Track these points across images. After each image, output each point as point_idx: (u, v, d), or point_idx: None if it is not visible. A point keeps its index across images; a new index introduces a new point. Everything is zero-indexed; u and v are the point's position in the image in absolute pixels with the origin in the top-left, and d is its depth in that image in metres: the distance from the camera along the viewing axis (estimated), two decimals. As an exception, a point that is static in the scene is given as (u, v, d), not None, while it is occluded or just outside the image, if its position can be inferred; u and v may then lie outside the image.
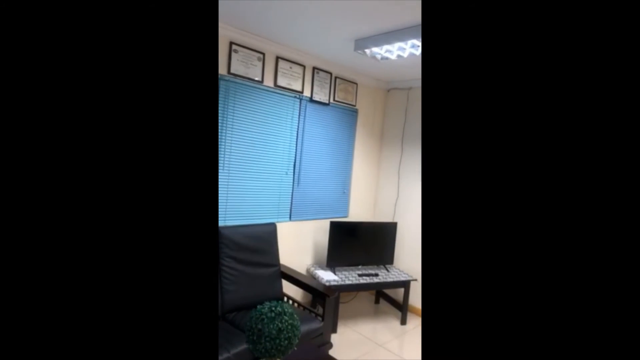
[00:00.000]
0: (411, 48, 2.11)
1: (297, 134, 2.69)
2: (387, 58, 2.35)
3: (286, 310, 1.21)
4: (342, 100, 2.96)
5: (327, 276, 2.59)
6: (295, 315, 1.22)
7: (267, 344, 1.15)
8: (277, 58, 2.47)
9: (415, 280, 2.84)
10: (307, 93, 2.69)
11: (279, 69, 2.48)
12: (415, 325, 2.82)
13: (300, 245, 2.84)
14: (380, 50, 2.21)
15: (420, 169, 3.02)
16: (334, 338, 2.44)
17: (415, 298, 3.02)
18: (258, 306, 1.22)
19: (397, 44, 2.05)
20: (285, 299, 2.33)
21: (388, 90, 3.29)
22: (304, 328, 1.93)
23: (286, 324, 1.17)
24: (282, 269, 2.35)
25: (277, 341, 1.15)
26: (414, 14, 1.74)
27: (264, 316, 1.18)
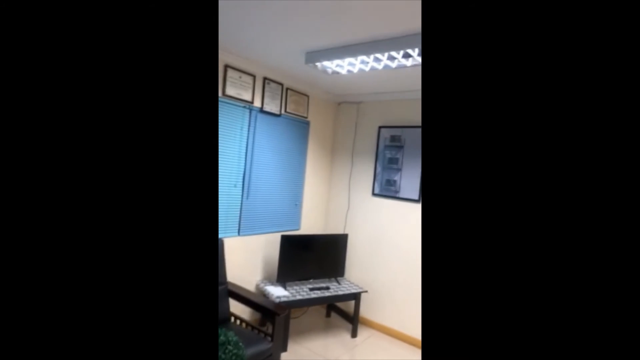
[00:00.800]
0: (361, 64, 2.15)
1: (247, 145, 2.60)
2: (337, 72, 2.37)
3: (230, 339, 1.12)
4: (294, 111, 2.93)
5: (278, 292, 2.51)
6: (240, 344, 1.14)
7: (209, 377, 1.05)
8: (226, 67, 2.38)
9: (366, 291, 2.86)
10: (257, 103, 2.63)
11: (227, 78, 2.39)
12: (366, 337, 2.83)
13: (249, 261, 2.73)
14: (331, 64, 2.22)
15: (372, 180, 3.08)
16: (283, 357, 2.35)
17: (366, 309, 3.04)
18: (199, 335, 1.12)
19: (348, 59, 2.07)
20: (233, 319, 2.21)
21: (339, 104, 3.33)
22: (252, 351, 1.83)
23: (230, 354, 1.09)
24: (230, 287, 2.23)
25: (220, 374, 1.06)
26: (364, 31, 1.77)
27: (205, 347, 1.08)
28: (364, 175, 3.13)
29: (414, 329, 2.77)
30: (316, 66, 2.26)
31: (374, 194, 3.04)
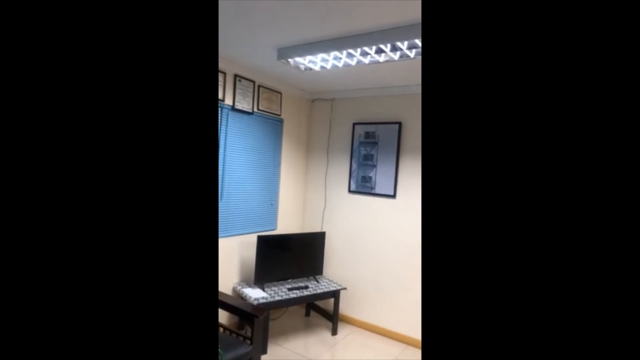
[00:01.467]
0: (334, 60, 2.14)
1: (219, 143, 2.52)
2: (310, 69, 2.34)
3: (207, 345, 1.07)
4: (267, 109, 2.87)
5: (256, 294, 2.46)
6: (219, 350, 1.09)
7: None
8: (195, 63, 2.29)
9: (345, 289, 2.86)
10: (228, 101, 2.55)
11: (196, 75, 2.30)
12: (346, 334, 2.83)
13: (225, 264, 2.65)
14: (303, 61, 2.19)
15: (348, 177, 3.08)
16: (264, 359, 2.31)
17: (345, 307, 3.04)
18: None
19: (320, 55, 2.05)
20: (210, 324, 2.13)
21: (312, 101, 3.31)
22: (231, 355, 1.78)
23: (207, 361, 1.03)
24: (205, 292, 2.15)
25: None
26: (336, 27, 1.75)
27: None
28: (340, 172, 3.12)
29: (394, 323, 2.80)
30: (288, 62, 2.22)
31: (350, 191, 3.05)
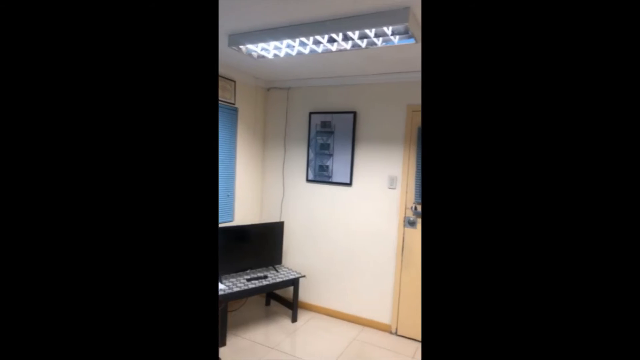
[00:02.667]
0: (287, 48, 2.12)
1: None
2: (264, 56, 2.30)
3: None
4: (220, 97, 2.79)
5: (213, 287, 2.42)
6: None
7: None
8: (139, 48, 2.16)
9: (304, 276, 2.90)
10: (178, 89, 2.44)
11: (141, 61, 2.17)
12: (306, 320, 2.89)
13: (180, 257, 2.57)
14: (256, 48, 2.15)
15: (306, 166, 3.09)
16: (222, 352, 2.29)
17: (305, 294, 3.10)
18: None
19: (273, 43, 2.02)
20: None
21: (268, 89, 3.26)
22: (187, 349, 1.74)
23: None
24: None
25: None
26: (288, 14, 1.73)
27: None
28: (298, 161, 3.13)
29: (351, 307, 2.90)
30: (240, 50, 2.17)
31: (308, 180, 3.07)
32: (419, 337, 2.63)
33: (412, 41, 1.82)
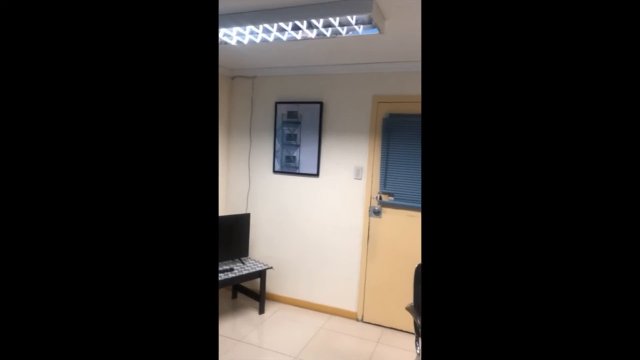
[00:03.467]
0: (251, 35, 2.06)
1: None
2: (226, 42, 2.23)
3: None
4: (181, 85, 2.67)
5: (176, 281, 2.35)
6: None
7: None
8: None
9: (271, 268, 2.89)
10: (135, 75, 2.31)
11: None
12: (273, 311, 2.88)
13: (140, 252, 2.47)
14: (218, 33, 2.07)
15: (272, 157, 3.05)
16: (187, 346, 2.24)
17: (272, 285, 3.09)
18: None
19: (236, 29, 1.96)
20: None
21: (232, 78, 3.17)
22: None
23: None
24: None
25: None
26: (249, -1, 1.68)
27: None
28: (264, 152, 3.08)
29: (319, 296, 2.93)
30: (202, 35, 2.08)
31: (274, 171, 3.04)
32: (384, 323, 2.71)
33: (375, 31, 1.83)
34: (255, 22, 1.83)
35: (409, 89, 2.57)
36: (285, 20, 1.76)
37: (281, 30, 1.93)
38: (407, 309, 1.70)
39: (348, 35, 1.91)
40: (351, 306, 2.82)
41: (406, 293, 2.62)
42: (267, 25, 1.86)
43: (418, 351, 1.59)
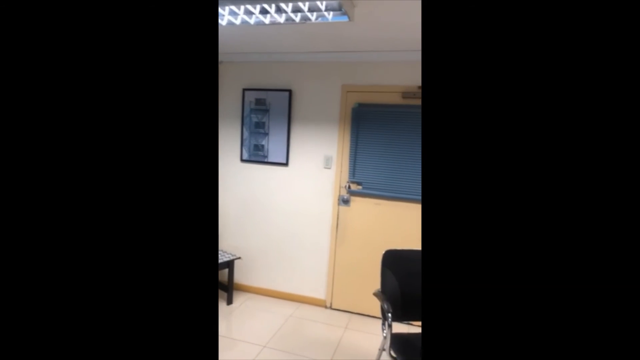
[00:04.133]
0: (229, 15, 1.97)
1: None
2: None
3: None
4: (142, 68, 2.53)
5: (138, 273, 2.25)
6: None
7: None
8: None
9: (239, 258, 2.85)
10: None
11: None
12: (242, 302, 2.86)
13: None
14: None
15: (240, 146, 2.98)
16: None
17: (240, 275, 3.05)
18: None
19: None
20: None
21: (198, 63, 3.04)
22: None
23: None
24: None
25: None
26: (215, -22, 1.60)
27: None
28: (231, 141, 3.00)
29: (288, 285, 2.94)
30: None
31: (242, 160, 2.97)
32: (352, 309, 2.77)
33: (345, 19, 1.82)
34: (222, 4, 1.75)
35: (378, 79, 2.59)
36: (253, 3, 1.70)
37: (249, 13, 1.87)
38: (375, 294, 1.74)
39: (317, 21, 1.88)
40: (320, 294, 2.85)
41: (374, 279, 2.68)
42: (233, 7, 1.79)
43: (384, 334, 1.64)
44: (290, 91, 2.78)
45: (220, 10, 1.84)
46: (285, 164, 2.86)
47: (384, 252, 1.81)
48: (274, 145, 2.87)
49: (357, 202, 2.70)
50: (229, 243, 3.08)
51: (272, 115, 2.85)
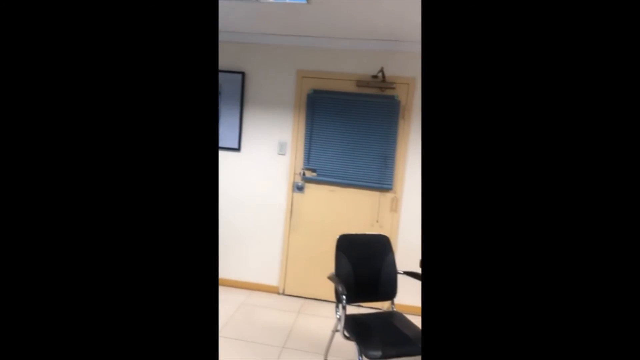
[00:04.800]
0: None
1: None
2: None
3: None
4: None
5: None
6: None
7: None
8: None
9: (188, 246, 2.72)
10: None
11: None
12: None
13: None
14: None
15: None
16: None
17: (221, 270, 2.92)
18: None
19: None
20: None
21: (141, 37, 2.80)
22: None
23: None
24: None
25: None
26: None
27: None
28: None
29: (240, 273, 2.89)
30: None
31: (191, 144, 2.82)
32: (305, 294, 2.81)
33: (303, 1, 1.78)
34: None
35: (333, 66, 2.60)
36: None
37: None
38: (330, 277, 1.78)
39: (274, 1, 1.82)
40: (273, 280, 2.85)
41: (327, 265, 2.74)
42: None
43: (338, 316, 1.69)
44: (243, 73, 2.68)
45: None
46: (238, 149, 2.77)
47: (338, 236, 1.85)
48: (225, 129, 2.76)
49: (312, 189, 2.72)
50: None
51: (223, 97, 2.73)
